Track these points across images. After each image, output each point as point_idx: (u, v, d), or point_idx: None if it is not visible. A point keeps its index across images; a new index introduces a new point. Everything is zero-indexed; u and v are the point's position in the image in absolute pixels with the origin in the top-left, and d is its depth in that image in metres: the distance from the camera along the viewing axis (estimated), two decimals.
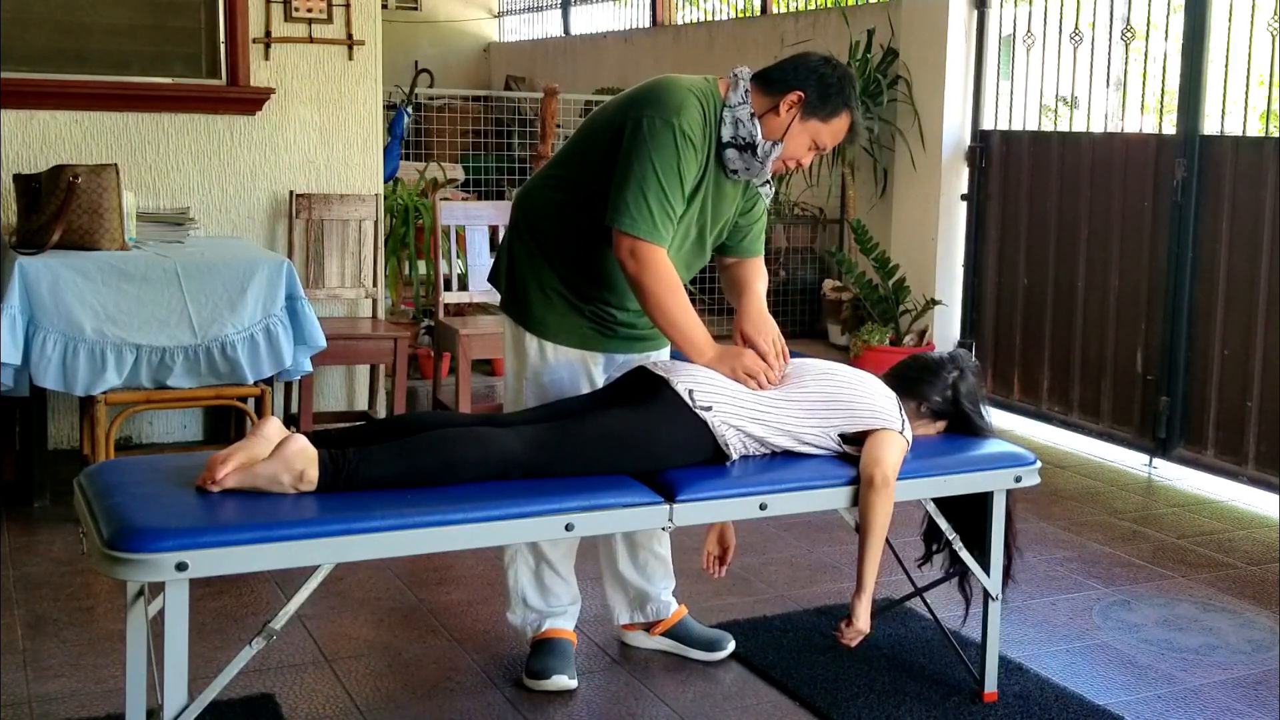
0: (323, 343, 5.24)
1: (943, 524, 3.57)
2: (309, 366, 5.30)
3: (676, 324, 3.37)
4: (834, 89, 3.40)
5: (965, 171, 7.42)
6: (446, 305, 6.45)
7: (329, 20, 6.12)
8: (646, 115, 3.31)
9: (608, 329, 3.58)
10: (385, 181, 7.25)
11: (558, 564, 3.77)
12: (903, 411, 3.46)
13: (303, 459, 2.89)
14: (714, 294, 8.31)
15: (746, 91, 3.41)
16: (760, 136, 3.39)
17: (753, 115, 3.39)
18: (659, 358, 3.67)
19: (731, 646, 3.95)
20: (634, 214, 3.28)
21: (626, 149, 3.32)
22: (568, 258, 3.52)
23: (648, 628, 3.95)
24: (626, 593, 3.92)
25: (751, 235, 3.72)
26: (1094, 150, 6.58)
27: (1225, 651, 4.11)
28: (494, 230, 6.60)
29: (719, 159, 3.44)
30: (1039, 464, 3.63)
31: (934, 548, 3.74)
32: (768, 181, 3.56)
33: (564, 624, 3.82)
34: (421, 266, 7.43)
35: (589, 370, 3.60)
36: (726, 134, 3.40)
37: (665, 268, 3.33)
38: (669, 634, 3.94)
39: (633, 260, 3.31)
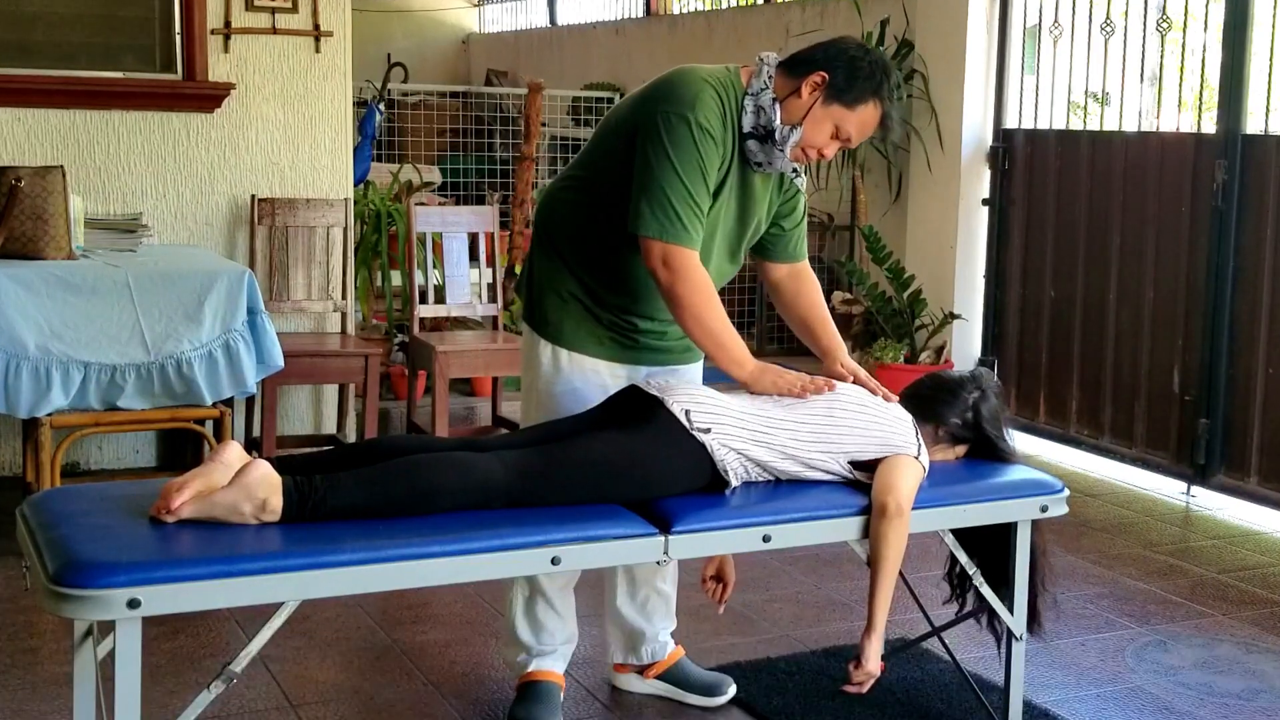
0: (280, 363, 5.25)
1: (962, 557, 3.58)
2: (254, 388, 5.30)
3: (713, 334, 3.40)
4: (863, 74, 3.41)
5: (986, 174, 7.45)
6: (422, 319, 6.47)
7: (294, 10, 6.14)
8: (661, 112, 3.35)
9: (628, 338, 3.60)
10: (355, 185, 7.27)
11: (553, 597, 3.76)
12: (919, 435, 3.48)
13: (265, 486, 2.89)
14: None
15: (770, 77, 3.44)
16: (779, 120, 3.41)
17: (774, 100, 3.42)
18: (689, 373, 3.69)
19: (732, 691, 3.96)
20: (659, 218, 3.31)
21: (643, 150, 3.36)
22: (587, 263, 3.55)
23: (641, 670, 3.96)
24: (620, 631, 3.93)
25: (797, 238, 3.78)
26: (1127, 151, 6.61)
27: (1270, 696, 4.12)
28: (473, 238, 6.62)
29: (742, 154, 3.47)
30: (1067, 492, 3.64)
31: (959, 588, 3.74)
32: (796, 171, 3.59)
33: (552, 665, 3.81)
34: (395, 277, 7.44)
35: (606, 384, 3.59)
36: (748, 124, 3.44)
37: (700, 274, 3.36)
38: (664, 677, 3.95)
39: (665, 269, 3.33)
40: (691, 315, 3.37)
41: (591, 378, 3.59)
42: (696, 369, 3.77)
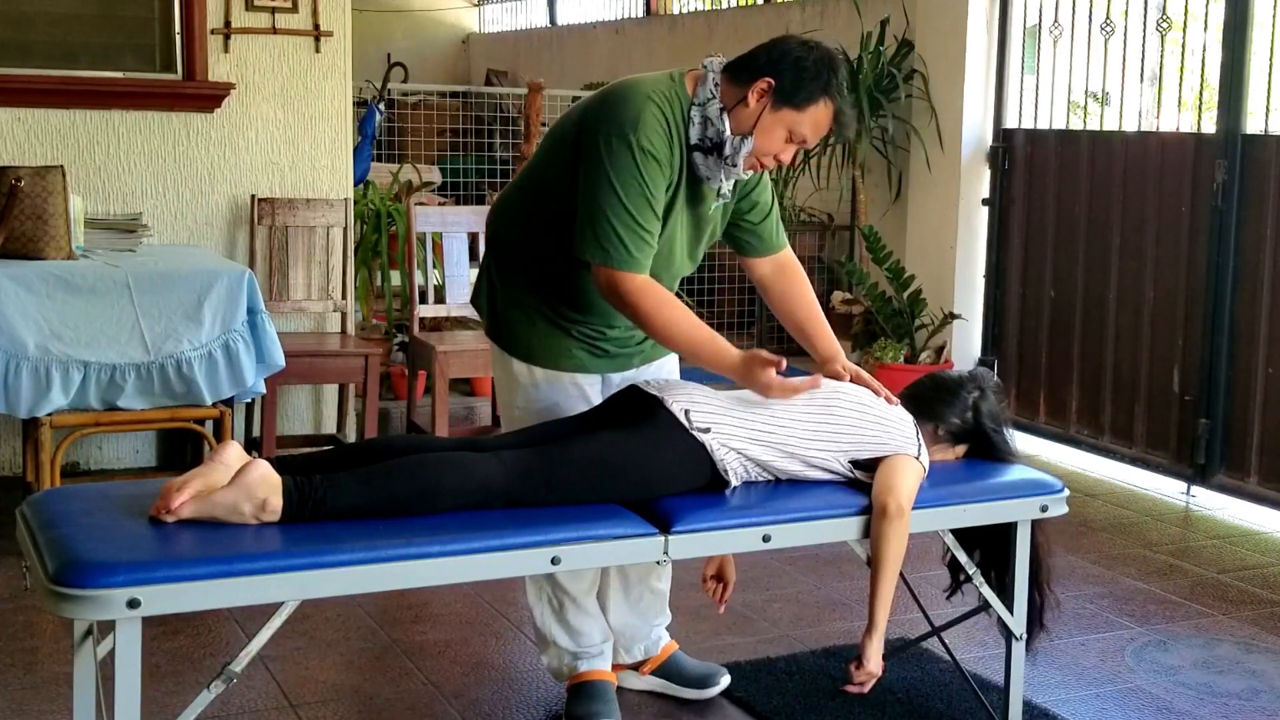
0: (281, 362, 5.24)
1: (962, 557, 3.58)
2: (262, 387, 5.31)
3: (683, 348, 3.39)
4: (809, 74, 3.33)
5: (986, 174, 7.45)
6: (422, 319, 6.47)
7: (294, 9, 6.14)
8: (603, 134, 3.29)
9: (598, 348, 3.58)
10: (355, 185, 7.27)
11: (581, 600, 3.75)
12: (919, 435, 3.48)
13: (265, 486, 2.90)
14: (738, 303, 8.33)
15: (716, 85, 3.38)
16: (729, 131, 3.35)
17: (722, 110, 3.35)
18: (663, 372, 3.69)
19: (725, 681, 3.96)
20: (604, 245, 3.27)
21: (586, 173, 3.31)
22: (542, 281, 3.52)
23: (637, 667, 3.96)
24: (616, 631, 3.92)
25: (771, 228, 3.72)
26: (1126, 150, 6.61)
27: (1270, 696, 4.12)
28: (473, 237, 6.62)
29: (691, 165, 3.42)
30: (1067, 492, 3.64)
31: (961, 578, 3.74)
32: (723, 195, 3.52)
33: (601, 664, 3.80)
34: (395, 277, 7.45)
35: (585, 395, 3.58)
36: (694, 135, 3.37)
37: (651, 296, 3.32)
38: (658, 672, 3.96)
39: (615, 295, 3.31)
40: (658, 334, 3.36)
41: (570, 391, 3.57)
42: (672, 361, 3.76)
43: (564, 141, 3.42)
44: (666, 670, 3.96)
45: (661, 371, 3.72)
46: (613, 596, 3.88)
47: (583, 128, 3.36)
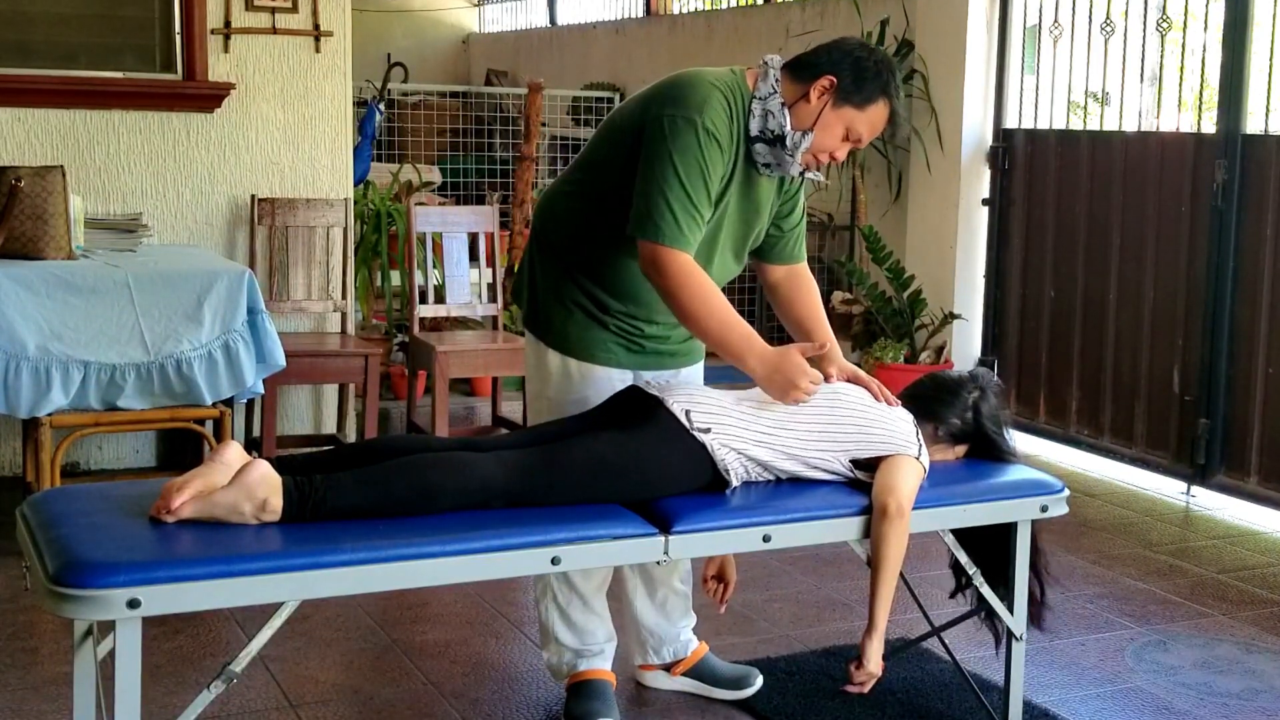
0: (282, 362, 5.25)
1: (962, 557, 3.58)
2: (261, 388, 5.31)
3: (711, 337, 3.37)
4: (870, 74, 3.41)
5: (986, 174, 7.45)
6: (422, 319, 6.47)
7: (294, 10, 6.14)
8: (667, 114, 3.33)
9: (634, 343, 3.59)
10: (355, 185, 7.27)
11: (590, 598, 3.75)
12: (919, 435, 3.48)
13: (265, 486, 2.90)
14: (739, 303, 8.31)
15: (777, 80, 3.43)
16: (790, 127, 3.40)
17: (783, 105, 3.41)
18: (691, 375, 3.69)
19: (759, 682, 3.96)
20: (656, 220, 3.29)
21: (647, 152, 3.34)
22: (589, 269, 3.53)
23: (668, 668, 3.97)
24: (640, 632, 3.93)
25: (795, 239, 3.77)
26: (1127, 151, 6.61)
27: (1270, 696, 4.12)
28: (473, 238, 6.62)
29: (748, 156, 3.46)
30: (1067, 492, 3.65)
31: (964, 580, 3.74)
32: (804, 174, 3.56)
33: (601, 664, 3.80)
34: (395, 277, 7.45)
35: (616, 390, 3.58)
36: (755, 127, 3.42)
37: (693, 277, 3.33)
38: (691, 674, 3.96)
39: (656, 272, 3.32)
40: (690, 319, 3.36)
41: (602, 385, 3.57)
42: (698, 370, 3.77)
43: (624, 133, 3.45)
44: (699, 672, 3.96)
45: (684, 378, 3.71)
46: (638, 599, 3.89)
47: (646, 115, 3.39)
